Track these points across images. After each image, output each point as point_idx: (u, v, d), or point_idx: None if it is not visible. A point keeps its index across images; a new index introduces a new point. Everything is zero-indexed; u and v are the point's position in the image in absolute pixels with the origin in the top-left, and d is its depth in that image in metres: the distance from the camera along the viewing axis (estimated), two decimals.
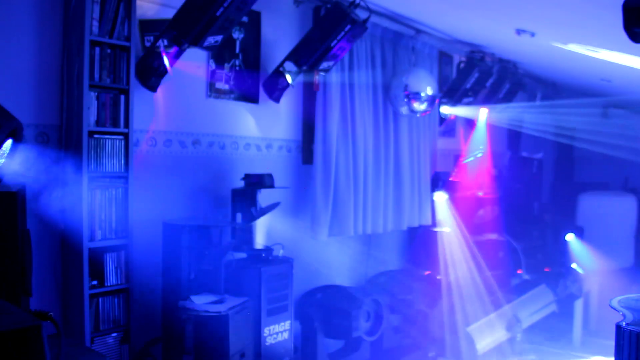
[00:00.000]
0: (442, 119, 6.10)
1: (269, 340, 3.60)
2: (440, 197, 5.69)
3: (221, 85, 3.99)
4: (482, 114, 6.49)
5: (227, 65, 4.02)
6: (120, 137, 3.25)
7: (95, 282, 3.16)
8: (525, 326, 5.38)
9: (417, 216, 5.49)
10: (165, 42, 3.28)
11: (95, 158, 3.15)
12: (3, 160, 1.73)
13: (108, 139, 3.20)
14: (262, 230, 3.94)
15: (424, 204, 5.58)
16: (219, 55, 3.93)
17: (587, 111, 7.65)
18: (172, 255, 3.33)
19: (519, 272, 6.01)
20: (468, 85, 5.97)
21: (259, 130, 4.29)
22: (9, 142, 1.72)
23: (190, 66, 3.74)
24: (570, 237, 6.34)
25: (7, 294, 1.72)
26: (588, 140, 8.37)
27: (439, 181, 5.82)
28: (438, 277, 5.10)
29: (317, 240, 4.51)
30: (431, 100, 4.95)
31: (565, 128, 7.73)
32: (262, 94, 4.24)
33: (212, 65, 3.92)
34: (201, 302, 3.20)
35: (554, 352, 5.43)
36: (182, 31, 3.16)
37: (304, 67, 4.08)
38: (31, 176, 3.01)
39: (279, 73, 4.11)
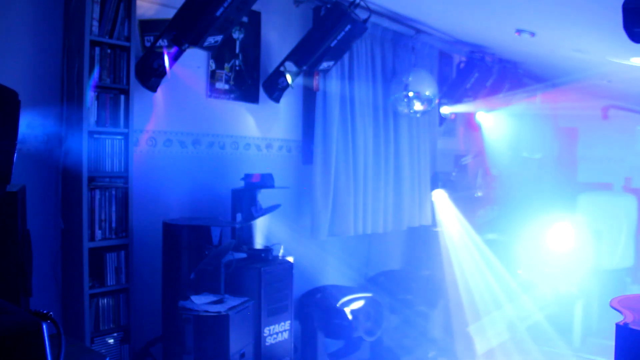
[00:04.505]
0: (442, 119, 6.10)
1: (269, 340, 3.60)
2: (440, 197, 5.69)
3: (221, 85, 3.99)
4: (481, 116, 6.50)
5: (227, 65, 4.02)
6: (120, 137, 3.25)
7: (95, 282, 3.16)
8: (525, 326, 5.39)
9: (417, 216, 5.49)
10: (165, 42, 3.28)
11: (95, 158, 3.15)
12: None
13: (108, 139, 3.20)
14: (262, 230, 3.94)
15: (424, 203, 5.58)
16: (219, 55, 3.93)
17: (587, 111, 7.66)
18: (172, 255, 3.33)
19: (519, 272, 6.01)
20: (468, 85, 5.97)
21: (259, 130, 4.29)
22: None
23: (191, 66, 3.74)
24: (556, 227, 6.23)
25: (7, 294, 1.72)
26: (589, 140, 8.37)
27: (438, 181, 5.83)
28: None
29: (317, 240, 4.51)
30: (431, 100, 4.95)
31: (565, 128, 7.73)
32: (262, 94, 4.24)
33: (212, 65, 3.92)
34: (201, 302, 3.20)
35: (554, 352, 5.43)
36: (182, 31, 3.16)
37: (304, 67, 4.08)
38: (31, 176, 3.01)
39: (279, 73, 4.11)
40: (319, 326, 4.25)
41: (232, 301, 3.24)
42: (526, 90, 6.87)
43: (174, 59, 3.32)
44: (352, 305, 4.26)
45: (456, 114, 6.27)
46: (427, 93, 4.87)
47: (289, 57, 4.07)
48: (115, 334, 3.24)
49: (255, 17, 4.16)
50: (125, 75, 3.24)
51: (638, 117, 8.19)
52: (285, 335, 3.72)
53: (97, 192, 3.16)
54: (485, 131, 6.63)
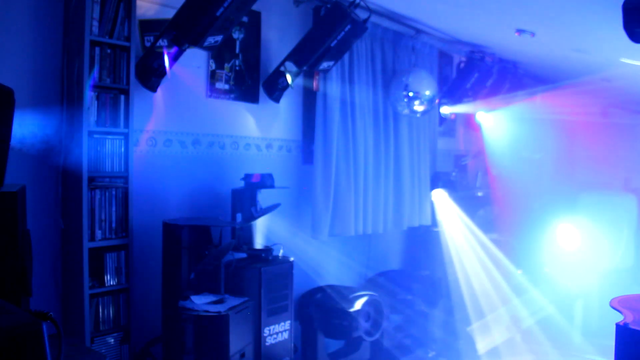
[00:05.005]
0: (442, 119, 6.10)
1: (269, 340, 3.60)
2: (440, 197, 5.69)
3: (221, 85, 3.99)
4: (481, 116, 6.49)
5: (227, 65, 4.02)
6: (120, 137, 3.25)
7: (95, 282, 3.16)
8: (525, 326, 5.38)
9: (417, 216, 5.48)
10: (165, 42, 3.28)
11: (95, 158, 3.15)
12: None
13: (108, 139, 3.20)
14: (262, 230, 3.94)
15: (424, 204, 5.58)
16: (219, 55, 3.93)
17: (587, 111, 7.66)
18: (172, 255, 3.33)
19: (519, 272, 6.01)
20: (468, 85, 5.97)
21: (259, 130, 4.29)
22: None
23: (190, 66, 3.74)
24: (563, 227, 6.23)
25: (7, 294, 1.72)
26: (588, 140, 8.37)
27: (439, 181, 5.83)
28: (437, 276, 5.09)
29: (317, 240, 4.51)
30: (431, 100, 4.95)
31: (565, 128, 7.73)
32: (262, 94, 4.24)
33: (212, 65, 3.92)
34: (201, 302, 3.20)
35: (553, 352, 5.43)
36: (182, 31, 3.16)
37: (304, 67, 4.08)
38: (31, 176, 3.01)
39: (279, 73, 4.11)
40: (319, 326, 4.25)
41: (232, 301, 3.24)
42: (526, 90, 6.86)
43: (174, 59, 3.32)
44: (352, 305, 4.26)
45: (456, 114, 6.27)
46: (427, 93, 4.87)
47: (289, 57, 4.07)
48: (115, 334, 3.24)
49: (255, 17, 4.16)
50: (125, 75, 3.24)
51: (638, 117, 8.19)
52: (285, 335, 3.72)
53: (97, 192, 3.16)
54: (485, 131, 6.63)
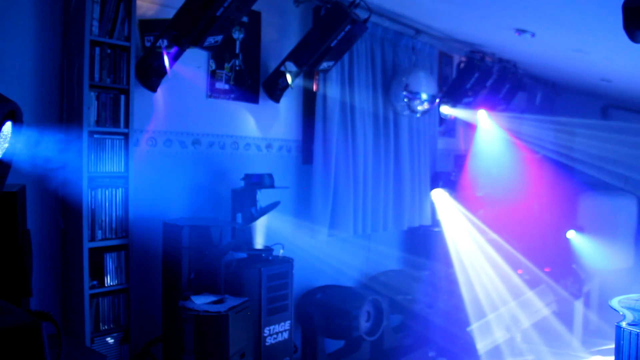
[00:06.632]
0: (442, 119, 6.10)
1: (269, 340, 3.60)
2: (440, 197, 5.69)
3: (221, 85, 3.99)
4: (481, 115, 6.49)
5: (227, 65, 4.02)
6: (120, 137, 3.25)
7: (95, 282, 3.16)
8: (525, 326, 5.38)
9: (417, 216, 5.49)
10: (165, 42, 3.28)
11: (95, 158, 3.15)
12: (7, 145, 1.67)
13: (108, 139, 3.20)
14: (262, 230, 3.94)
15: (424, 204, 5.58)
16: (219, 55, 3.93)
17: (587, 111, 7.67)
18: (172, 255, 3.33)
19: (519, 272, 6.01)
20: (468, 85, 5.97)
21: (259, 130, 4.29)
22: (8, 125, 1.65)
23: (191, 66, 3.74)
24: (571, 234, 6.33)
25: (7, 294, 1.72)
26: (588, 140, 8.37)
27: (439, 181, 5.83)
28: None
29: (317, 240, 4.52)
30: (431, 101, 4.95)
31: (565, 127, 7.74)
32: (262, 94, 4.24)
33: (212, 65, 3.92)
34: (201, 302, 3.20)
35: (553, 352, 5.43)
36: (182, 31, 3.16)
37: (304, 67, 4.08)
38: (31, 176, 3.01)
39: (279, 73, 4.11)
40: (319, 326, 4.25)
41: (232, 301, 3.24)
42: (526, 90, 6.86)
43: (174, 58, 3.32)
44: (352, 305, 4.26)
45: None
46: (427, 93, 4.87)
47: (289, 57, 4.06)
48: (115, 334, 3.24)
49: (255, 17, 4.16)
50: (125, 75, 3.24)
51: (638, 117, 8.19)
52: (285, 335, 3.72)
53: (97, 192, 3.16)
54: (485, 131, 6.63)
